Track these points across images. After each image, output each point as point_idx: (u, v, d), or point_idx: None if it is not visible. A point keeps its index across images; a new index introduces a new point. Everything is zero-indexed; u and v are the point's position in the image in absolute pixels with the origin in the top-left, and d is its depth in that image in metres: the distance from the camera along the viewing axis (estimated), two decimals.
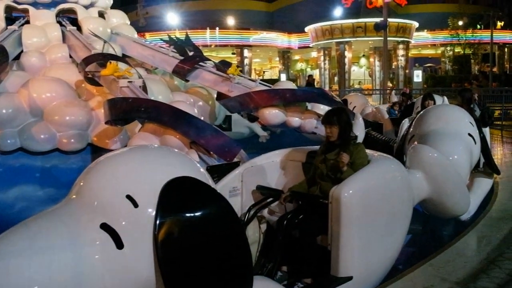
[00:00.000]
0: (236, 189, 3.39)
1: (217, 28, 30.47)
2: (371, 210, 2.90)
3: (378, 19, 24.49)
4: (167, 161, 2.30)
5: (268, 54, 36.30)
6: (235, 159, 4.53)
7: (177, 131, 4.84)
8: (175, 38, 9.15)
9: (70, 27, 7.88)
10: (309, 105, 7.03)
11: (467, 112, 5.16)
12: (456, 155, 4.45)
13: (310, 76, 22.71)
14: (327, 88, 26.89)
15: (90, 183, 2.15)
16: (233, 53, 31.80)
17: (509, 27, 35.34)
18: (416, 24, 30.66)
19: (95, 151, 6.25)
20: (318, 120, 6.19)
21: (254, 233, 3.21)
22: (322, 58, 32.17)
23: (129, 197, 2.02)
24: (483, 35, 31.61)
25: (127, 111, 5.09)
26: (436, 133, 4.67)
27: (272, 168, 3.63)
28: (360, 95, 11.95)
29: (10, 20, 7.91)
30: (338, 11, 32.06)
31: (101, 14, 8.65)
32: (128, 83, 5.74)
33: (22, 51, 7.31)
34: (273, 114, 6.26)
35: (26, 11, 7.91)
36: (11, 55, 6.89)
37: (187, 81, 7.58)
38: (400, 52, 30.84)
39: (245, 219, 3.19)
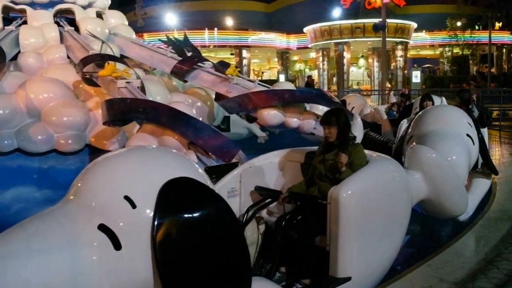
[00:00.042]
0: (235, 190, 3.38)
1: (216, 29, 30.47)
2: (369, 210, 2.90)
3: (376, 20, 24.49)
4: (165, 162, 2.29)
5: (267, 54, 36.33)
6: (234, 160, 4.53)
7: (175, 132, 4.83)
8: (173, 39, 9.15)
9: (67, 28, 7.88)
10: (308, 106, 7.03)
11: (466, 112, 5.17)
12: (455, 155, 4.45)
13: (310, 76, 22.77)
14: (325, 89, 26.95)
15: (87, 184, 2.14)
16: (231, 54, 31.81)
17: (507, 28, 35.40)
18: (414, 25, 30.73)
19: (93, 152, 6.24)
20: (316, 121, 6.19)
21: (252, 234, 3.21)
22: (320, 58, 32.23)
23: (127, 198, 2.01)
24: (482, 36, 31.72)
25: (125, 111, 5.09)
26: (435, 133, 4.67)
27: (270, 168, 3.62)
28: (358, 96, 11.96)
29: (7, 21, 7.91)
30: (336, 12, 32.12)
31: (99, 15, 8.64)
32: (126, 84, 5.74)
33: (19, 52, 7.30)
34: (271, 115, 6.26)
35: (23, 11, 7.90)
36: (9, 55, 6.89)
37: (186, 81, 7.59)
38: (399, 52, 30.92)
39: (244, 220, 3.19)
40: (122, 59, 7.09)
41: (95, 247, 1.97)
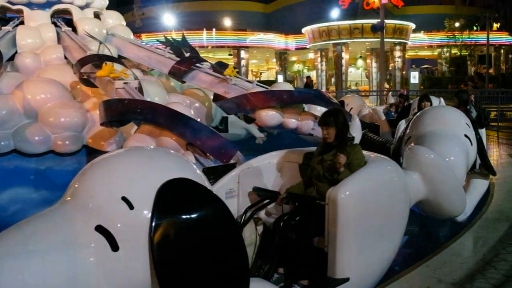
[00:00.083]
0: (233, 190, 3.38)
1: (214, 29, 30.46)
2: (368, 211, 2.90)
3: (375, 21, 24.55)
4: (163, 162, 2.29)
5: (265, 55, 36.32)
6: (232, 161, 4.52)
7: (173, 133, 4.82)
8: (171, 39, 9.12)
9: (65, 28, 7.86)
10: (306, 107, 7.03)
11: (464, 113, 5.18)
12: (453, 156, 4.46)
13: (308, 77, 22.79)
14: (324, 90, 26.95)
15: (85, 185, 2.13)
16: (230, 54, 31.79)
17: (505, 29, 35.51)
18: (412, 26, 30.79)
19: (90, 153, 6.22)
20: (315, 122, 6.19)
21: (250, 234, 3.20)
22: (319, 59, 32.25)
23: (124, 199, 2.01)
24: (480, 36, 31.81)
25: (122, 112, 5.07)
26: (433, 134, 4.67)
27: (268, 169, 3.62)
28: (357, 97, 11.96)
29: (4, 21, 7.89)
30: (335, 12, 32.14)
31: (97, 15, 8.62)
32: (123, 85, 5.72)
33: (16, 52, 7.27)
34: (270, 116, 6.26)
35: (20, 11, 7.88)
36: (5, 56, 6.86)
37: (184, 82, 7.57)
38: (397, 53, 30.97)
39: (242, 221, 3.19)
40: (119, 59, 7.07)
41: (92, 248, 1.96)
